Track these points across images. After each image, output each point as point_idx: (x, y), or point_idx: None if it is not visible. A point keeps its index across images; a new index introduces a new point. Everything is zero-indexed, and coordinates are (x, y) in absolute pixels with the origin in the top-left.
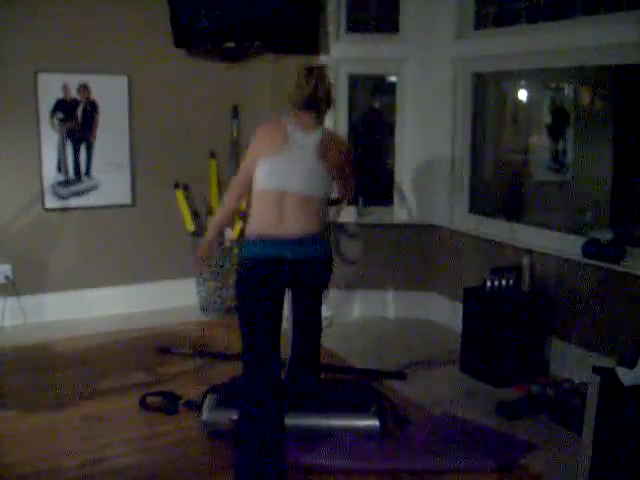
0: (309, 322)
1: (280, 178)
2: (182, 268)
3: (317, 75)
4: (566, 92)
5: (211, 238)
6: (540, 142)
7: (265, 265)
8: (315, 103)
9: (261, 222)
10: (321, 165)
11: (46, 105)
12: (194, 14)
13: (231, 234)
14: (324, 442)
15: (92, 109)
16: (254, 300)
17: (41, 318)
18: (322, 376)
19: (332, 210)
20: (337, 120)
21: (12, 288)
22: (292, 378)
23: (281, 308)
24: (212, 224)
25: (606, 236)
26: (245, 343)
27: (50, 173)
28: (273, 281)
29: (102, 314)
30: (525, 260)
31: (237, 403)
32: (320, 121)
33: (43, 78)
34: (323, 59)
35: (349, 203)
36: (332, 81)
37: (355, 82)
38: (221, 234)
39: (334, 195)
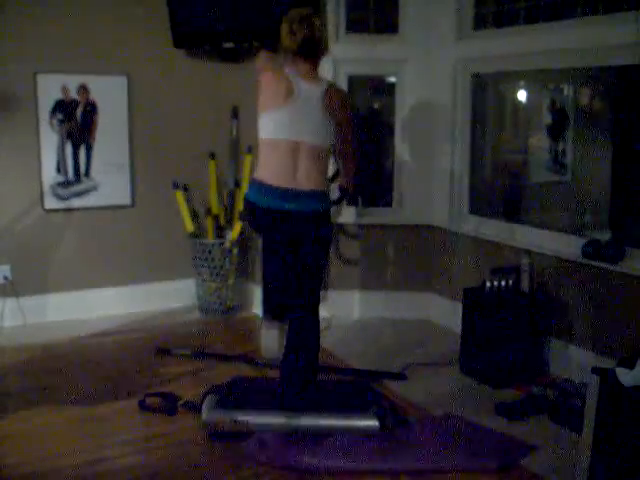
0: (309, 269)
1: (291, 128)
2: (181, 269)
3: (309, 19)
4: (566, 93)
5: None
6: (540, 143)
7: (270, 215)
8: (311, 47)
9: (271, 171)
10: (327, 115)
11: (45, 106)
12: (193, 14)
13: (231, 235)
14: (324, 443)
15: (91, 110)
16: (265, 238)
17: (41, 319)
18: (322, 377)
19: (333, 209)
20: None
21: (11, 289)
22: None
23: (291, 248)
24: None
25: (605, 237)
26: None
27: (50, 174)
28: (278, 230)
29: (101, 315)
30: (525, 261)
31: (237, 404)
32: (317, 67)
33: (42, 79)
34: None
35: (349, 202)
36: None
37: (354, 83)
38: (220, 234)
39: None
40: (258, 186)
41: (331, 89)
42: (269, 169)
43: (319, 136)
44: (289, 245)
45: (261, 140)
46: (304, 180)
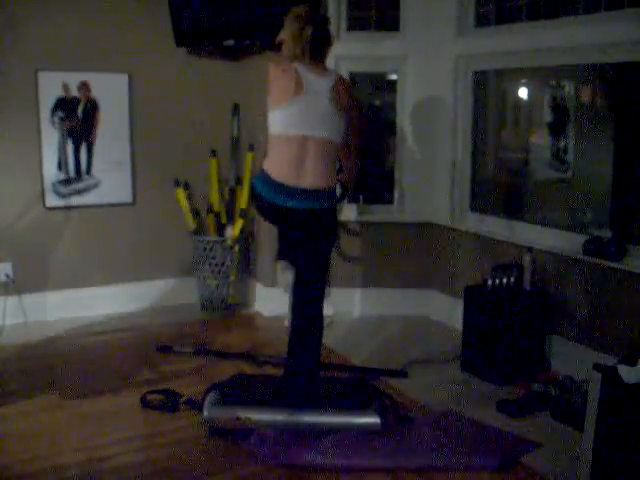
0: (314, 260)
1: (300, 123)
2: (183, 266)
3: (317, 15)
4: (567, 90)
5: None
6: (541, 140)
7: (275, 209)
8: (319, 43)
9: (279, 166)
10: (336, 109)
11: (46, 103)
12: (194, 12)
13: (232, 232)
14: (325, 440)
15: (93, 107)
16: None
17: (42, 316)
18: (323, 374)
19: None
20: None
21: (13, 287)
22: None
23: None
24: None
25: (607, 234)
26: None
27: (51, 172)
28: (283, 222)
29: (103, 312)
30: (526, 258)
31: (238, 400)
32: (324, 59)
33: (43, 76)
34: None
35: (349, 199)
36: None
37: (356, 80)
38: (222, 232)
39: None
40: (265, 178)
41: (339, 82)
42: (276, 163)
43: (328, 130)
44: (295, 233)
45: (270, 135)
46: (310, 177)
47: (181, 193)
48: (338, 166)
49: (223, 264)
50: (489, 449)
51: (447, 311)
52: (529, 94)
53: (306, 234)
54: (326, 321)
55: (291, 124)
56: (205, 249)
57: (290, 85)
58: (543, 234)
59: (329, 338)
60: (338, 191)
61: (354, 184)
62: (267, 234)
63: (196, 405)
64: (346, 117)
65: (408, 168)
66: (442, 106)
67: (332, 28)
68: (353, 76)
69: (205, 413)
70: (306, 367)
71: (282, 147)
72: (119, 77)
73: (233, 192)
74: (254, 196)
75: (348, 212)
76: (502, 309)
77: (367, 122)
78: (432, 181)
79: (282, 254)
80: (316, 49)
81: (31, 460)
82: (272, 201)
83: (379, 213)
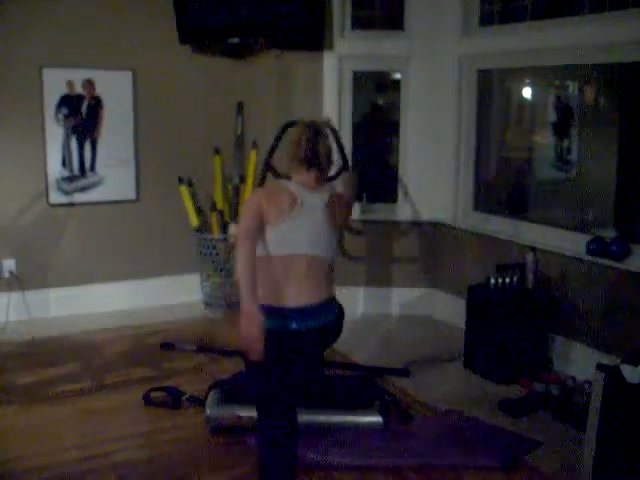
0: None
1: (294, 243)
2: (186, 264)
3: (315, 134)
4: (571, 89)
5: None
6: (545, 140)
7: (276, 337)
8: (315, 160)
9: (272, 291)
10: (330, 225)
11: (51, 101)
12: (198, 10)
13: (235, 230)
14: (328, 438)
15: (97, 105)
16: (275, 368)
17: (45, 313)
18: (326, 372)
19: None
20: (341, 118)
21: (16, 283)
22: None
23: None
24: (243, 292)
25: (610, 234)
26: (261, 400)
27: (55, 168)
28: (285, 352)
29: (106, 309)
30: (529, 257)
31: (240, 398)
32: (322, 178)
33: (48, 73)
34: (327, 55)
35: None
36: (336, 134)
37: (359, 79)
38: (225, 229)
39: None
40: (268, 310)
41: (333, 196)
42: (273, 288)
43: (321, 248)
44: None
45: (259, 258)
46: (307, 298)
47: (185, 190)
48: (338, 169)
49: (226, 262)
50: (491, 448)
51: (450, 310)
52: (533, 94)
53: (312, 356)
54: None
55: (285, 244)
56: (208, 247)
57: (283, 203)
58: (546, 234)
59: None
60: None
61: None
62: None
63: (199, 402)
64: (341, 220)
65: (411, 167)
66: (446, 105)
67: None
68: (357, 75)
69: (207, 411)
70: None
71: (272, 268)
72: (123, 74)
73: (236, 190)
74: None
75: (352, 211)
76: (505, 308)
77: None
78: (436, 180)
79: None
80: (313, 165)
81: (33, 455)
82: (281, 327)
83: (382, 212)
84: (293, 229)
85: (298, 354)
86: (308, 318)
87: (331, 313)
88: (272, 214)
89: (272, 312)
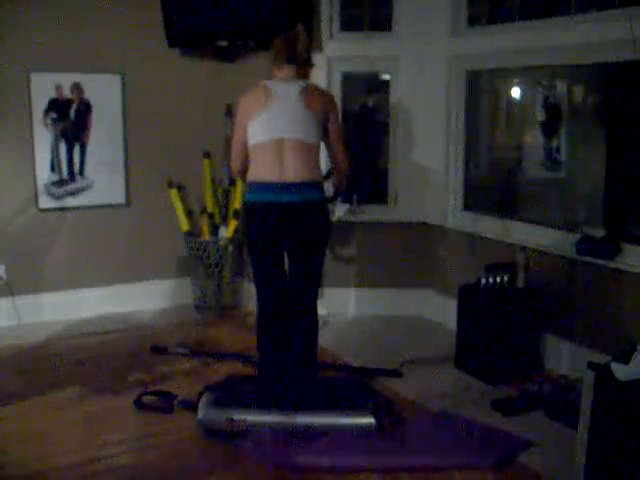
0: (305, 278)
1: (273, 128)
2: (177, 267)
3: (294, 33)
4: (559, 89)
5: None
6: (533, 139)
7: (263, 209)
8: (294, 56)
9: (261, 170)
10: (308, 112)
11: (39, 105)
12: (187, 13)
13: (225, 233)
14: (320, 441)
15: (85, 109)
16: (258, 242)
17: (36, 318)
18: (318, 374)
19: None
20: None
21: (6, 288)
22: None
23: (282, 250)
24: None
25: (599, 233)
26: (254, 276)
27: (44, 173)
28: (272, 223)
29: (97, 314)
30: (520, 257)
31: (233, 402)
32: (300, 75)
33: (36, 78)
34: (316, 57)
35: (343, 199)
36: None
37: (349, 80)
38: (215, 233)
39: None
40: (252, 187)
41: (310, 87)
42: (259, 168)
43: (301, 132)
44: (286, 246)
45: (249, 148)
46: (291, 175)
47: (175, 194)
48: (329, 169)
49: (217, 265)
50: (484, 448)
51: (441, 310)
52: (522, 94)
53: (299, 237)
54: (321, 321)
55: (264, 131)
56: (199, 250)
57: (259, 98)
58: (536, 233)
59: (324, 338)
60: (331, 191)
61: (345, 185)
62: None
63: (191, 406)
64: (322, 120)
65: (401, 168)
66: (435, 106)
67: (307, 42)
68: (346, 76)
69: (200, 414)
70: (302, 368)
71: (260, 154)
72: (112, 78)
73: (227, 193)
74: (247, 211)
75: (341, 212)
76: (496, 308)
77: (345, 132)
78: (426, 181)
79: (264, 279)
80: (290, 60)
81: (27, 461)
82: (266, 200)
83: (372, 213)
84: (271, 117)
85: (277, 222)
86: (288, 191)
87: (313, 193)
88: (251, 110)
89: (256, 187)
